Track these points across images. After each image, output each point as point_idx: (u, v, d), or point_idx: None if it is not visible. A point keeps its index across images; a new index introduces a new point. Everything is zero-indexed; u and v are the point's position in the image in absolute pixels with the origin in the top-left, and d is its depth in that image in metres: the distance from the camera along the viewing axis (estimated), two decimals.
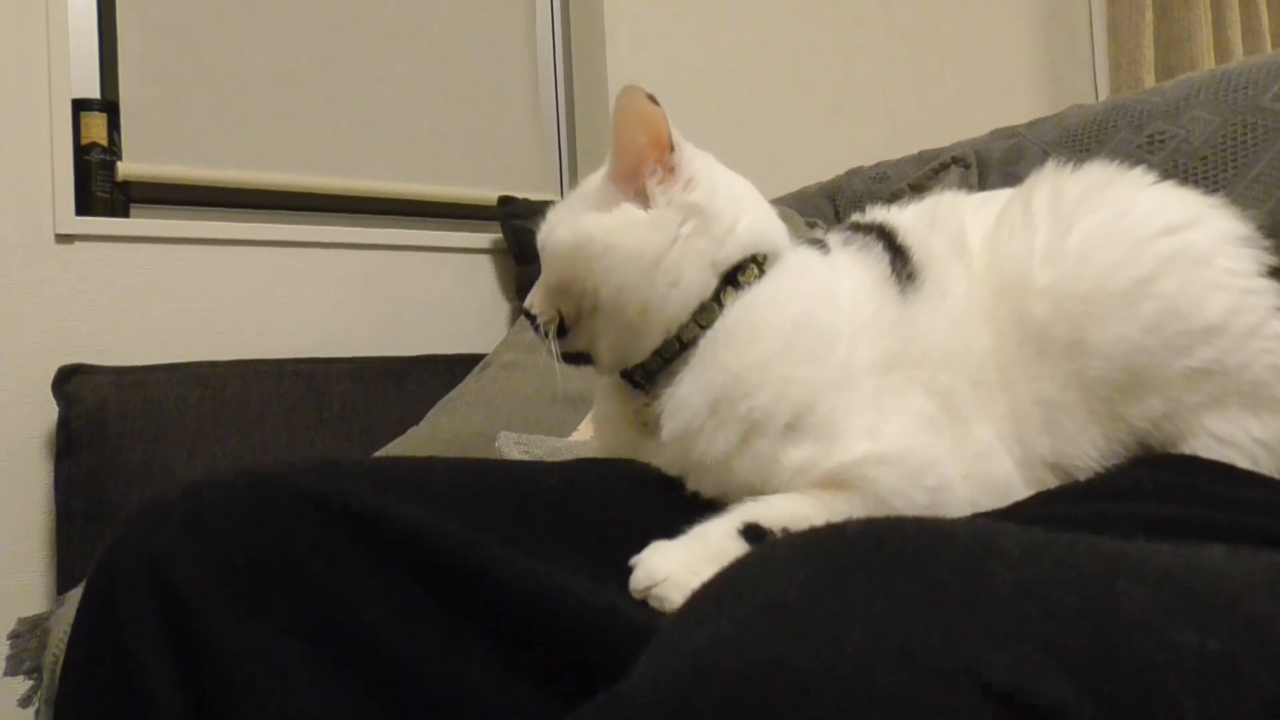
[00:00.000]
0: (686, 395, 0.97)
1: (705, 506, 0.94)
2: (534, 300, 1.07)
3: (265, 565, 0.81)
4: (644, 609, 0.82)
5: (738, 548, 0.87)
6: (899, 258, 1.05)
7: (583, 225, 1.02)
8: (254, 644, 0.78)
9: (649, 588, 0.83)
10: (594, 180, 1.06)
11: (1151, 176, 1.06)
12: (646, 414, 1.02)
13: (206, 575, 0.80)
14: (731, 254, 1.03)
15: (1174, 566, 0.50)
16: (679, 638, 0.48)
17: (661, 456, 1.00)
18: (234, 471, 0.87)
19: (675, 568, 0.83)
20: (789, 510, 0.91)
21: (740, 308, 1.01)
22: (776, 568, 0.52)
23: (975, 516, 0.90)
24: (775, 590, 0.49)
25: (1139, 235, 0.97)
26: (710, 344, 0.99)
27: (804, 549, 0.53)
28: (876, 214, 1.14)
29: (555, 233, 1.04)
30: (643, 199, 1.02)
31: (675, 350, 1.01)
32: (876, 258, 1.05)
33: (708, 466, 0.96)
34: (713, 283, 1.02)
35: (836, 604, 0.47)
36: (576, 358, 1.06)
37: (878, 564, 0.50)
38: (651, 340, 1.01)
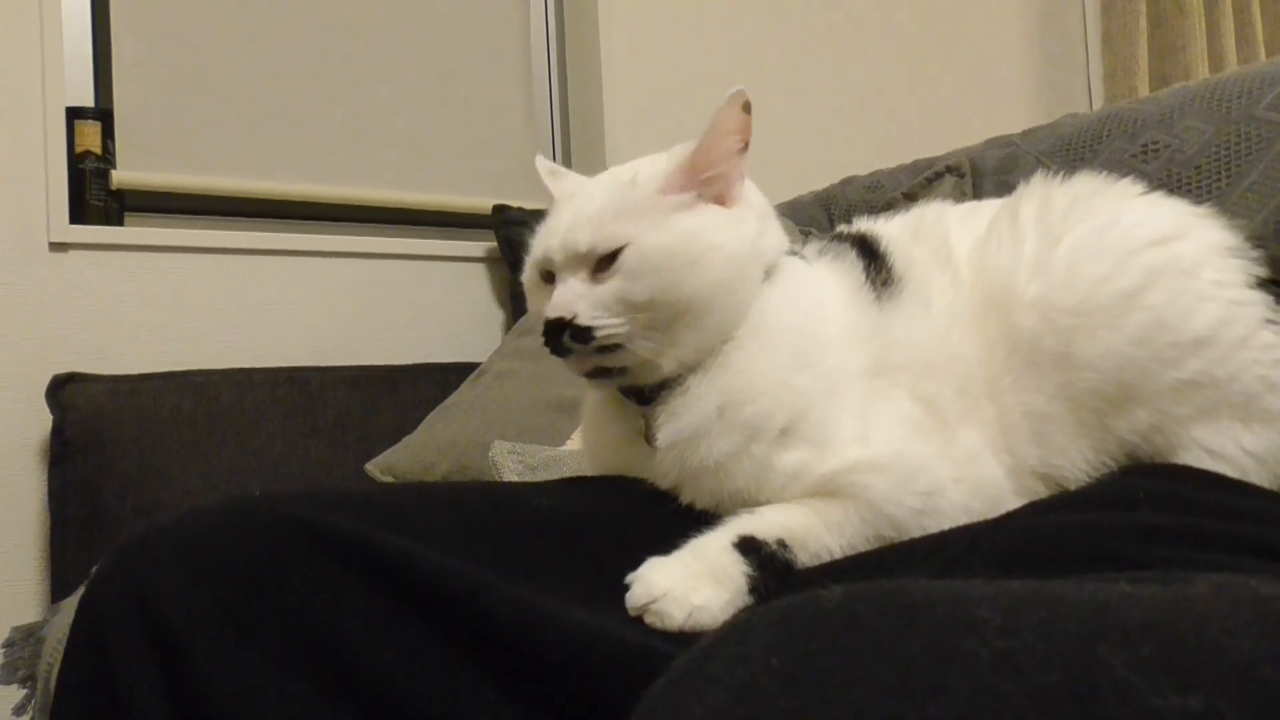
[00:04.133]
0: (698, 398, 0.97)
1: (698, 521, 0.94)
2: (586, 311, 0.96)
3: (254, 595, 0.80)
4: (636, 629, 0.82)
5: (734, 560, 0.87)
6: (874, 265, 1.05)
7: (682, 226, 0.98)
8: (244, 674, 0.78)
9: (647, 604, 0.83)
10: (642, 187, 1.01)
11: (1140, 187, 1.06)
12: (648, 422, 1.01)
13: (195, 606, 0.80)
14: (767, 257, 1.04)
15: (1158, 616, 0.50)
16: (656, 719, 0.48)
17: (658, 466, 0.99)
18: (222, 501, 0.87)
19: (673, 583, 0.83)
20: (783, 521, 0.91)
21: (757, 311, 1.01)
22: (751, 649, 0.51)
23: (966, 528, 0.90)
24: (751, 675, 0.49)
25: (1126, 247, 0.97)
26: (732, 347, 0.99)
27: (779, 626, 0.53)
28: (861, 225, 1.15)
29: (647, 239, 0.97)
30: (719, 200, 1.01)
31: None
32: (851, 265, 1.06)
33: (709, 470, 0.95)
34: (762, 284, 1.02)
35: (811, 692, 0.47)
36: (610, 373, 0.99)
37: (852, 645, 0.50)
38: (716, 344, 0.99)
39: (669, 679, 0.52)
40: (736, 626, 0.56)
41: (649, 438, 1.00)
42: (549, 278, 1.01)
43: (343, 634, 0.80)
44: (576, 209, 1.00)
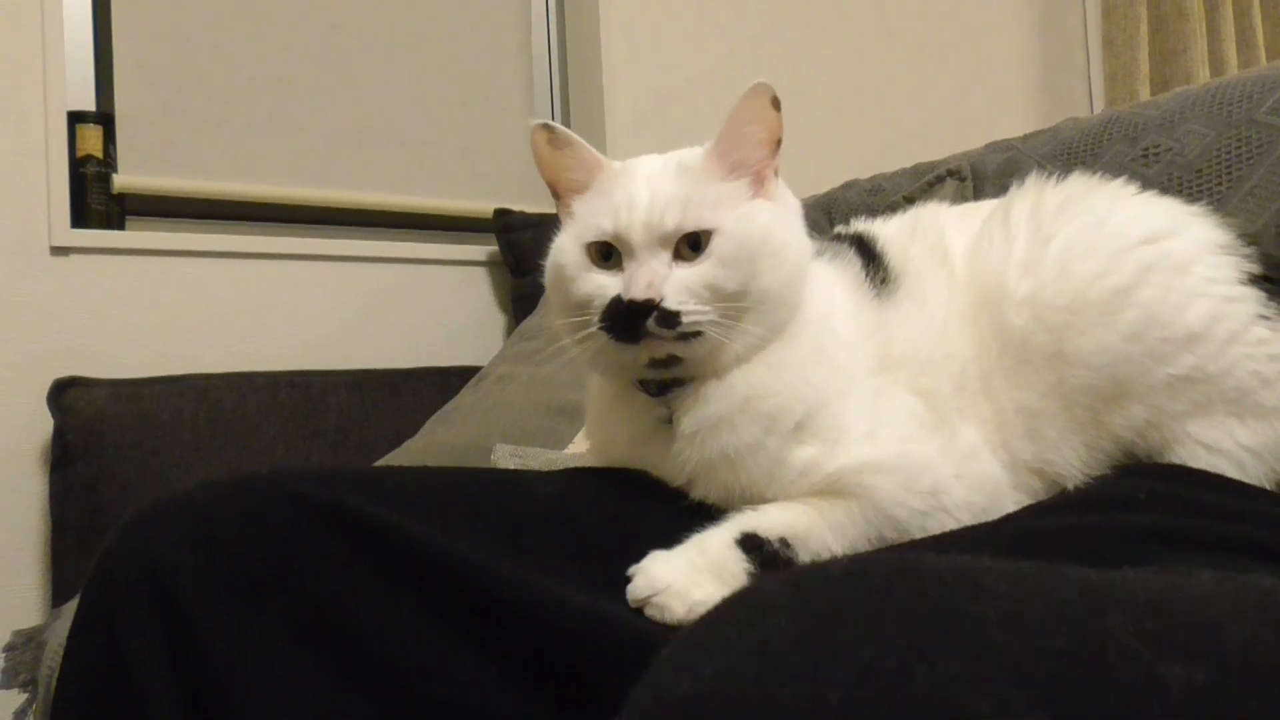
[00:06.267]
0: (731, 386, 0.96)
1: (701, 516, 0.94)
2: (674, 294, 0.92)
3: (262, 570, 0.81)
4: (638, 616, 0.83)
5: (736, 557, 0.87)
6: (872, 264, 1.06)
7: (762, 217, 0.97)
8: (251, 648, 0.79)
9: (649, 596, 0.83)
10: (713, 172, 0.99)
11: (1133, 187, 1.07)
12: (664, 413, 0.99)
13: (203, 580, 0.80)
14: None
15: (1162, 596, 0.50)
16: (665, 682, 0.48)
17: (675, 457, 0.98)
18: (230, 477, 0.88)
19: (675, 577, 0.84)
20: (786, 520, 0.91)
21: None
22: (762, 610, 0.52)
23: (968, 529, 0.90)
24: (760, 635, 0.49)
25: (1118, 244, 0.98)
26: (777, 343, 0.99)
27: (789, 589, 0.53)
28: (858, 225, 1.15)
29: (739, 227, 0.95)
30: (759, 195, 1.00)
31: None
32: (849, 263, 1.06)
33: (726, 460, 0.95)
34: None
35: (821, 647, 0.47)
36: (670, 363, 0.96)
37: (862, 604, 0.50)
38: (773, 338, 0.98)
39: (679, 641, 0.52)
40: (746, 591, 0.56)
41: (664, 432, 0.99)
42: (605, 258, 0.97)
43: (348, 610, 0.81)
44: (652, 187, 0.96)
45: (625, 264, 0.95)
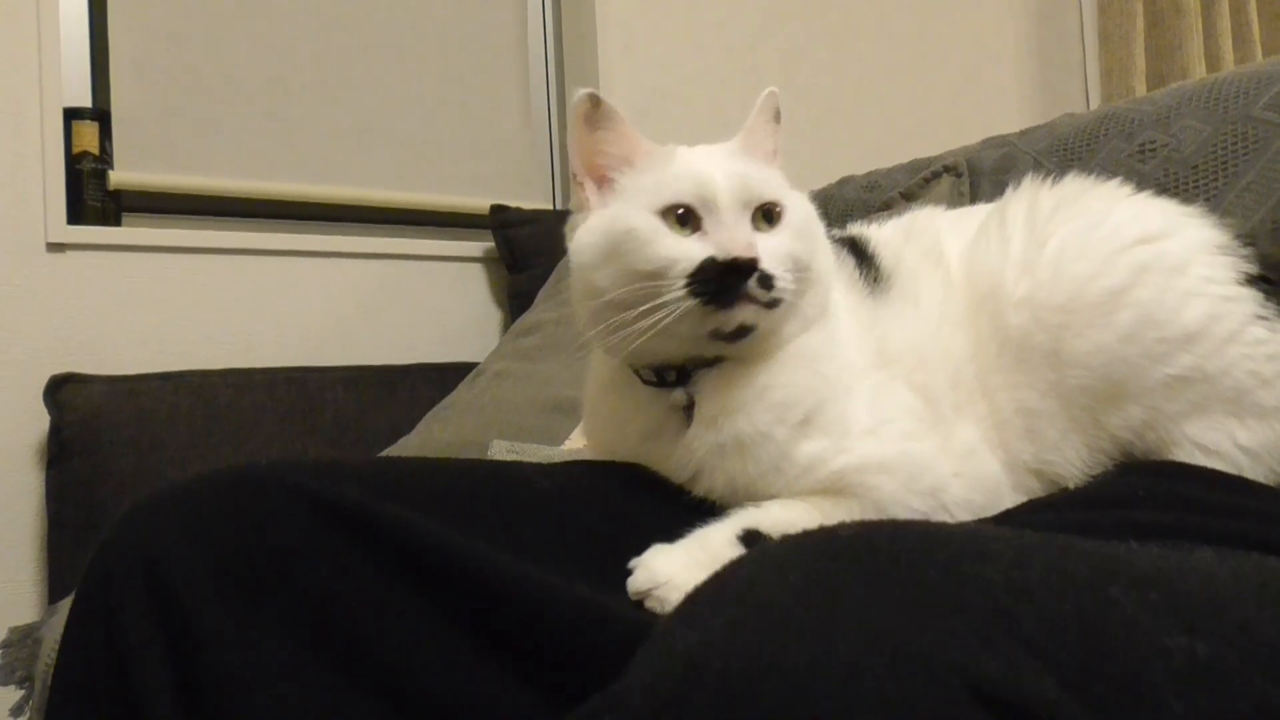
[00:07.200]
0: (753, 373, 0.96)
1: (702, 512, 0.94)
2: (768, 258, 0.91)
3: (259, 563, 0.81)
4: (638, 609, 0.83)
5: (737, 554, 0.87)
6: (865, 264, 1.07)
7: (804, 200, 1.01)
8: (248, 640, 0.79)
9: (650, 590, 0.83)
10: (753, 153, 1.02)
11: (1128, 188, 1.07)
12: (681, 398, 0.99)
13: (200, 572, 0.80)
14: None
15: (1165, 570, 0.51)
16: (672, 639, 0.49)
17: (686, 444, 0.97)
18: (227, 469, 0.88)
19: (676, 571, 0.84)
20: (788, 518, 0.91)
21: None
22: (770, 569, 0.52)
23: (968, 523, 0.91)
24: (768, 592, 0.49)
25: (1113, 245, 0.98)
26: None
27: (797, 551, 0.54)
28: (852, 229, 1.16)
29: (801, 203, 0.99)
30: None
31: None
32: (843, 263, 1.07)
33: (738, 447, 0.95)
34: None
35: (829, 606, 0.47)
36: (744, 334, 0.93)
37: (870, 566, 0.50)
38: (811, 324, 0.99)
39: (685, 603, 0.52)
40: (754, 552, 0.56)
41: (675, 421, 0.99)
42: (682, 224, 0.93)
43: (345, 604, 0.81)
44: (712, 162, 0.96)
45: (708, 227, 0.93)
